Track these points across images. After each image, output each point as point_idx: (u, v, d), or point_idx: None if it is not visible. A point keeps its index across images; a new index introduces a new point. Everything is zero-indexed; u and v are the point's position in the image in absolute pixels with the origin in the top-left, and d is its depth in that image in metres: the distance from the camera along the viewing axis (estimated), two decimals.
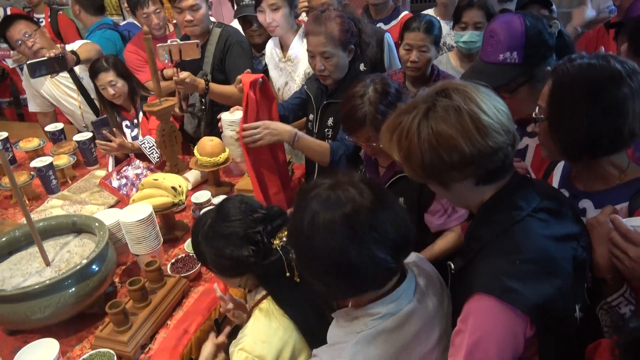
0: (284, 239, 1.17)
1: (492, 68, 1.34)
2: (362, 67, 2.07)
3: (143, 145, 2.27)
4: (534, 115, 1.12)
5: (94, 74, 2.33)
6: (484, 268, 0.94)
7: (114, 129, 2.30)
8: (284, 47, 2.42)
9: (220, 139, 2.14)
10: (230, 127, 2.10)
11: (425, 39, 2.03)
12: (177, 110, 2.46)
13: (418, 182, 1.51)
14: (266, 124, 1.79)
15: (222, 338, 1.32)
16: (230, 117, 2.10)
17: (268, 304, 1.22)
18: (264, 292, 1.24)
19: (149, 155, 2.27)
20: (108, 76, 2.30)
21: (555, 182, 1.26)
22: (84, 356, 1.33)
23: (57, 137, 2.56)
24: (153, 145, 2.28)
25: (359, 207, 0.92)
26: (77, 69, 2.69)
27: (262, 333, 1.17)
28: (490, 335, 0.89)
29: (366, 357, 0.96)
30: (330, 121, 1.97)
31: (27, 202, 2.17)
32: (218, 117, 2.19)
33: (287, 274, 1.16)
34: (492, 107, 0.94)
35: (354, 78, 1.92)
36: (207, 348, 1.30)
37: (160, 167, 2.31)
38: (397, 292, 1.00)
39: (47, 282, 1.33)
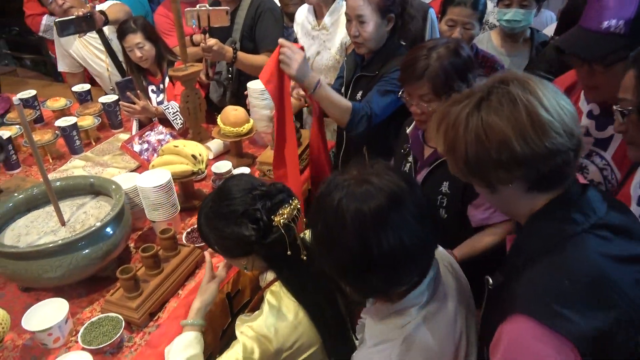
0: (286, 216, 1.12)
1: (592, 36, 1.18)
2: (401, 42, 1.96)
3: (167, 110, 2.23)
4: (615, 108, 0.99)
5: (121, 35, 2.29)
6: (527, 287, 0.82)
7: (138, 91, 2.26)
8: (318, 14, 2.32)
9: (246, 109, 2.09)
10: (260, 97, 2.04)
11: (471, 15, 1.90)
12: (203, 77, 2.41)
13: None
14: (301, 56, 1.60)
15: (221, 272, 1.32)
16: (259, 86, 2.04)
17: (279, 287, 1.18)
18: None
19: (173, 121, 2.23)
20: (136, 38, 2.26)
21: (636, 182, 1.13)
22: (93, 319, 1.31)
23: (83, 98, 2.55)
24: (177, 111, 2.24)
25: (393, 196, 0.85)
26: (106, 30, 2.66)
27: (271, 316, 1.13)
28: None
29: (419, 350, 0.91)
30: (359, 95, 1.88)
31: (50, 160, 2.17)
32: (246, 93, 2.13)
33: (289, 252, 1.12)
34: (555, 103, 0.82)
35: (392, 52, 1.83)
36: (210, 288, 1.29)
37: (183, 134, 2.27)
38: (430, 274, 0.96)
39: (60, 242, 1.31)
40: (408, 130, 1.65)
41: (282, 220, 1.11)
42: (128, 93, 2.21)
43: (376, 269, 0.86)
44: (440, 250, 1.05)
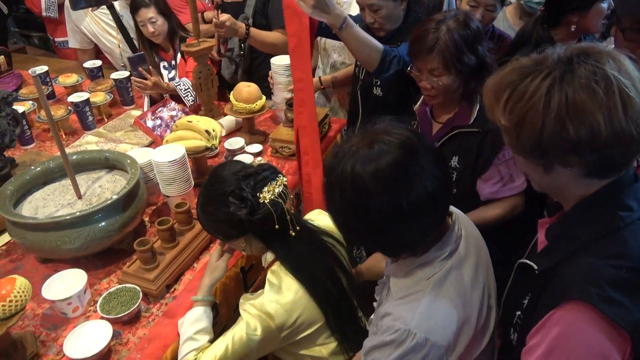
0: (270, 192, 1.15)
1: None
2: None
3: (179, 86, 2.23)
4: None
5: (134, 9, 2.27)
6: (582, 272, 0.79)
7: (150, 67, 2.25)
8: None
9: (262, 86, 2.07)
10: (284, 73, 2.02)
11: None
12: (215, 54, 2.40)
13: (477, 142, 1.43)
14: None
15: (227, 255, 1.34)
16: (283, 62, 2.02)
17: (278, 266, 1.21)
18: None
19: (184, 97, 2.22)
20: (149, 12, 2.24)
21: None
22: (111, 290, 1.33)
23: (95, 74, 2.55)
24: (189, 88, 2.23)
25: (407, 147, 0.87)
26: (117, 6, 2.64)
27: (272, 294, 1.16)
28: (577, 351, 0.76)
29: (444, 298, 0.93)
30: None
31: (63, 136, 2.18)
32: (270, 77, 2.09)
33: (277, 226, 1.15)
34: None
35: (411, 26, 1.80)
36: (219, 265, 1.31)
37: (195, 111, 2.27)
38: (452, 227, 0.98)
39: (78, 213, 1.33)
40: (415, 107, 1.64)
41: (267, 196, 1.15)
42: (140, 68, 2.21)
43: (408, 221, 0.88)
44: (456, 210, 1.07)
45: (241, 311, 1.18)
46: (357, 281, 1.39)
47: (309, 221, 1.35)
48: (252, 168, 1.20)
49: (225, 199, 1.15)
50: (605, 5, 1.72)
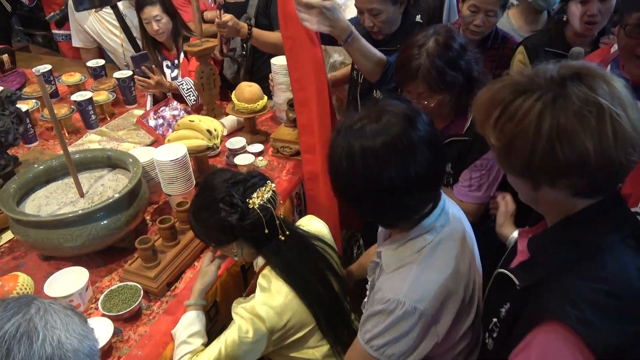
0: (259, 198, 1.19)
1: None
2: (418, 18, 1.94)
3: (181, 86, 2.24)
4: None
5: (140, 6, 2.28)
6: (562, 293, 0.79)
7: (153, 65, 2.26)
8: None
9: (263, 86, 2.08)
10: (285, 73, 2.02)
11: (495, 2, 1.84)
12: (217, 53, 2.41)
13: (466, 149, 1.45)
14: (326, 5, 1.44)
15: (218, 261, 1.36)
16: (283, 62, 2.03)
17: (269, 271, 1.23)
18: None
19: (186, 97, 2.24)
20: (154, 10, 2.25)
21: None
22: (112, 287, 1.35)
23: (98, 73, 2.57)
24: (191, 87, 2.24)
25: (410, 121, 0.93)
26: (120, 5, 2.65)
27: (263, 297, 1.18)
28: None
29: (433, 270, 0.98)
30: None
31: (66, 135, 2.19)
32: (270, 79, 2.11)
33: (267, 230, 1.18)
34: (637, 113, 0.77)
35: (409, 29, 1.81)
36: (210, 270, 1.33)
37: (197, 110, 2.28)
38: (441, 202, 1.04)
39: (80, 212, 1.34)
40: None
41: (256, 202, 1.18)
42: (143, 67, 2.22)
43: (413, 190, 0.95)
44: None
45: (233, 315, 1.20)
46: (348, 284, 1.41)
47: (300, 227, 1.37)
48: (242, 175, 1.23)
49: (216, 206, 1.17)
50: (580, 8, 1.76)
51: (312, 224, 1.42)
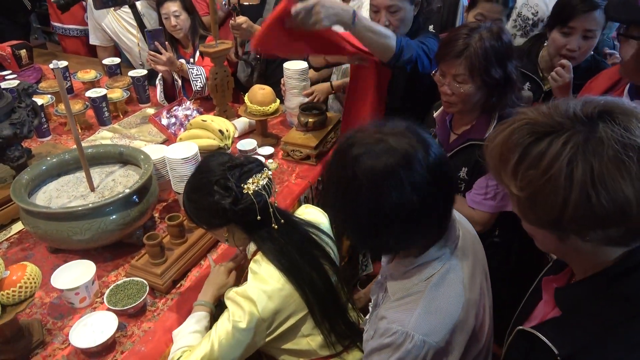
0: (255, 184, 1.17)
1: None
2: (430, 28, 1.95)
3: (191, 70, 2.26)
4: None
5: (160, 1, 2.32)
6: None
7: (167, 42, 2.28)
8: None
9: (275, 89, 2.09)
10: (299, 77, 2.04)
11: (501, 11, 1.87)
12: (232, 56, 2.43)
13: (480, 154, 1.44)
14: (321, 1, 1.43)
15: (231, 264, 1.35)
16: (297, 67, 2.04)
17: (261, 256, 1.22)
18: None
19: (193, 82, 2.25)
20: (174, 5, 2.30)
21: None
22: (118, 282, 1.35)
23: (113, 71, 2.59)
24: (201, 74, 2.26)
25: (406, 156, 0.87)
26: (139, 5, 2.69)
27: (255, 282, 1.17)
28: None
29: (442, 300, 0.93)
30: None
31: (79, 130, 2.21)
32: (282, 83, 2.13)
33: (259, 217, 1.17)
34: None
35: (415, 34, 1.81)
36: (220, 271, 1.32)
37: (209, 111, 2.29)
38: (450, 228, 0.99)
39: (90, 205, 1.35)
40: (435, 114, 1.64)
41: (251, 187, 1.16)
42: (156, 43, 2.23)
43: (389, 225, 0.89)
44: (456, 214, 1.07)
45: (225, 300, 1.19)
46: (346, 274, 1.37)
47: (296, 215, 1.36)
48: (239, 160, 1.22)
49: (210, 188, 1.16)
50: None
51: (310, 213, 1.40)
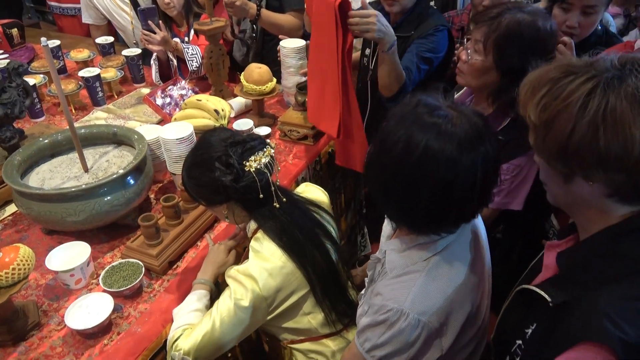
0: (257, 161, 1.15)
1: None
2: (432, 3, 1.90)
3: (186, 49, 2.21)
4: None
5: None
6: (604, 312, 0.71)
7: (160, 21, 2.23)
8: None
9: (272, 70, 2.05)
10: (296, 56, 1.99)
11: None
12: (228, 34, 2.38)
13: (506, 143, 1.40)
14: (379, 15, 1.50)
15: (231, 243, 1.33)
16: (293, 44, 1.99)
17: (262, 234, 1.20)
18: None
19: (189, 61, 2.21)
20: None
21: None
22: (114, 263, 1.34)
23: (106, 50, 2.55)
24: (196, 54, 2.22)
25: (476, 140, 0.84)
26: None
27: (256, 260, 1.16)
28: None
29: (440, 281, 0.92)
30: None
31: (73, 111, 2.18)
32: (278, 49, 2.09)
33: (261, 195, 1.15)
34: None
35: (425, 10, 1.77)
36: (220, 250, 1.30)
37: (204, 91, 2.26)
38: None
39: (84, 186, 1.33)
40: (456, 96, 1.61)
41: (253, 165, 1.14)
42: (149, 21, 2.18)
43: (448, 211, 0.87)
44: None
45: (226, 278, 1.18)
46: (346, 253, 1.36)
47: (297, 193, 1.34)
48: (241, 136, 1.19)
49: (211, 164, 1.14)
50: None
51: (311, 191, 1.38)
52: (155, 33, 2.18)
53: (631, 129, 0.67)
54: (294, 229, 1.19)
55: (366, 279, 1.16)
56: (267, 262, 1.15)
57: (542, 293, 0.82)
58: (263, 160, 1.16)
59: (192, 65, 2.22)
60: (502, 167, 1.39)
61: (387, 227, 1.14)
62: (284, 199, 1.20)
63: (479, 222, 1.09)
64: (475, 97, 1.51)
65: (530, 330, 0.85)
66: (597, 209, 0.78)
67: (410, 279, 0.93)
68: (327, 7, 1.45)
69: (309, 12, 1.60)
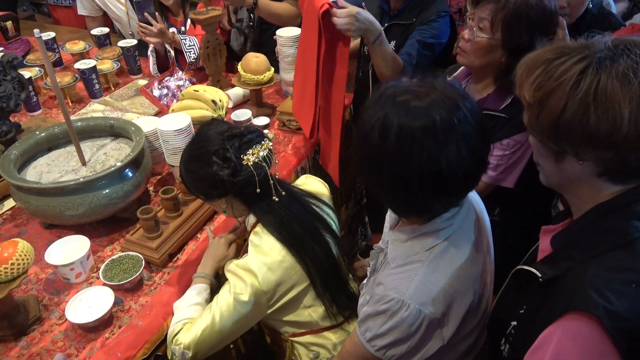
0: (255, 155, 1.13)
1: None
2: None
3: (183, 41, 2.18)
4: None
5: None
6: (589, 283, 0.74)
7: (157, 13, 2.20)
8: None
9: (270, 59, 2.03)
10: (294, 45, 1.96)
11: None
12: (226, 23, 2.35)
13: (498, 127, 1.38)
14: (359, 13, 1.48)
15: (231, 236, 1.33)
16: (290, 33, 1.96)
17: (261, 228, 1.19)
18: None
19: (186, 53, 2.18)
20: None
21: None
22: (114, 257, 1.33)
23: (102, 42, 2.52)
24: (194, 45, 2.19)
25: (457, 111, 0.82)
26: None
27: (256, 254, 1.15)
28: (576, 358, 0.72)
29: (443, 272, 0.91)
30: (392, 45, 1.80)
31: (69, 104, 2.16)
32: (274, 38, 2.06)
33: (259, 189, 1.13)
34: None
35: (421, 2, 1.75)
36: (220, 243, 1.30)
37: (202, 81, 2.23)
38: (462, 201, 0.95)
39: (81, 180, 1.32)
40: (450, 78, 1.59)
41: (251, 159, 1.13)
42: (146, 13, 2.15)
43: (441, 186, 0.85)
44: None
45: (226, 273, 1.17)
46: (345, 245, 1.35)
47: (297, 186, 1.33)
48: (238, 129, 1.17)
49: (208, 158, 1.12)
50: None
51: (311, 183, 1.37)
52: (151, 25, 2.16)
53: (620, 107, 0.69)
54: (293, 222, 1.18)
55: (368, 269, 1.15)
56: (266, 257, 1.14)
57: (534, 270, 0.84)
58: (261, 153, 1.14)
59: (189, 57, 2.19)
60: (502, 142, 1.39)
61: (390, 217, 1.13)
62: (283, 193, 1.19)
63: (483, 213, 1.07)
64: (474, 77, 1.49)
65: (523, 311, 0.87)
66: (588, 188, 0.80)
67: (412, 269, 0.92)
68: (314, 12, 1.44)
69: (301, 6, 1.58)
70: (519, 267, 0.90)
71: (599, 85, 0.70)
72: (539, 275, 0.82)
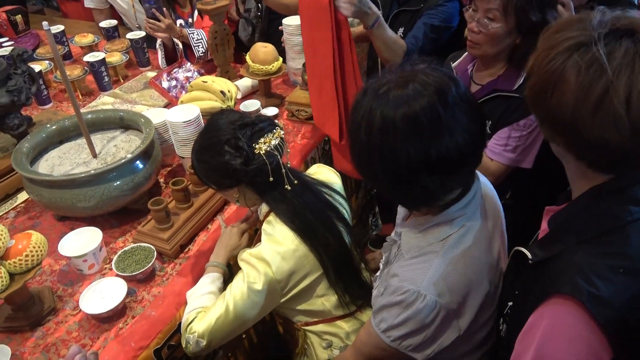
0: (267, 143, 1.12)
1: None
2: None
3: (191, 35, 2.18)
4: None
5: None
6: (575, 266, 0.74)
7: (164, 8, 2.20)
8: None
9: (277, 48, 2.01)
10: (298, 34, 1.95)
11: None
12: (234, 13, 2.34)
13: (514, 108, 1.37)
14: None
15: (243, 225, 1.33)
16: (297, 22, 1.95)
17: (274, 217, 1.19)
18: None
19: (195, 47, 2.17)
20: None
21: None
22: (126, 248, 1.34)
23: (110, 34, 2.52)
24: (202, 39, 2.18)
25: (441, 96, 0.80)
26: None
27: (268, 243, 1.15)
28: (562, 344, 0.71)
29: (458, 262, 0.90)
30: (400, 32, 1.79)
31: (79, 97, 2.17)
32: (280, 28, 2.05)
33: (272, 178, 1.13)
34: None
35: None
36: (232, 233, 1.30)
37: (210, 73, 2.23)
38: (473, 188, 0.94)
39: (92, 172, 1.32)
40: (454, 65, 1.56)
41: (263, 147, 1.12)
42: (153, 10, 2.15)
43: (434, 173, 0.83)
44: (480, 175, 1.03)
45: (239, 262, 1.17)
46: (359, 235, 1.34)
47: (309, 175, 1.33)
48: (250, 118, 1.17)
49: (220, 148, 1.12)
50: None
51: (322, 172, 1.37)
52: (159, 21, 2.15)
53: (564, 92, 0.70)
54: (306, 211, 1.18)
55: (381, 261, 1.15)
56: (279, 246, 1.14)
57: (526, 251, 0.83)
58: (273, 142, 1.14)
59: (198, 51, 2.19)
60: (519, 123, 1.38)
61: (401, 208, 1.12)
62: (295, 182, 1.19)
63: (495, 199, 1.06)
64: (483, 64, 1.47)
65: (518, 291, 0.87)
66: (583, 176, 0.80)
67: (426, 260, 0.91)
68: (319, 9, 1.41)
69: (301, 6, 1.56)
70: (516, 247, 0.90)
71: (564, 69, 0.71)
72: (530, 256, 0.82)
